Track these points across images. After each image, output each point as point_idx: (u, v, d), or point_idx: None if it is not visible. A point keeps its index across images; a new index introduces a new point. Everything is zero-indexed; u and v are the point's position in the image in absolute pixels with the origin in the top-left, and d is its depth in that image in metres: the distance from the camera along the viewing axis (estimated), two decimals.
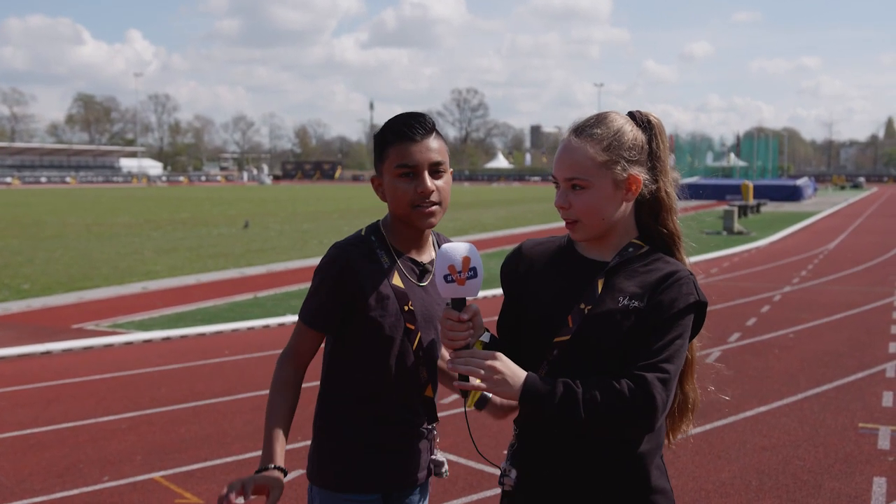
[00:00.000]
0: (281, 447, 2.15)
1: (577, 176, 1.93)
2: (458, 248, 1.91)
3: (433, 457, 2.32)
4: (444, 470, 2.33)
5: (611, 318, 1.91)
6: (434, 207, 2.15)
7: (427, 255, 2.28)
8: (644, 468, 1.95)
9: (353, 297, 2.15)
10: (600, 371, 1.88)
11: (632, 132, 1.97)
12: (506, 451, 2.10)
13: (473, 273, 1.89)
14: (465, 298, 1.91)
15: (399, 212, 2.18)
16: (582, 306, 1.94)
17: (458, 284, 1.89)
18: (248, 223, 27.10)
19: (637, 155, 1.97)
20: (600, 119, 1.98)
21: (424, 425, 2.28)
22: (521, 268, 2.09)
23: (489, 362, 1.83)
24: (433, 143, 2.15)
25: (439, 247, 2.30)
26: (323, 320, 2.19)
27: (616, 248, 2.00)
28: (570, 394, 1.82)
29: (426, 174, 2.13)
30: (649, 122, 2.02)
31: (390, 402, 2.21)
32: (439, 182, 2.16)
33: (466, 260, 1.89)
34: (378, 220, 2.28)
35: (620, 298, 1.92)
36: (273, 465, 2.10)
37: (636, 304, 1.91)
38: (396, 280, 2.18)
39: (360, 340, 2.19)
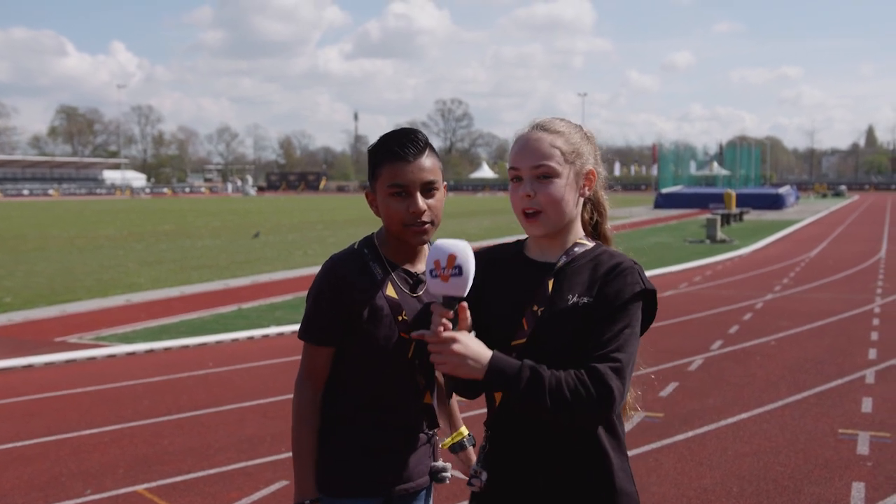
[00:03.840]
0: (313, 479, 2.22)
1: (545, 163, 2.00)
2: (447, 244, 1.92)
3: (434, 463, 2.35)
4: (445, 475, 2.36)
5: (563, 317, 1.97)
6: (426, 226, 2.20)
7: (421, 266, 2.31)
8: (610, 472, 1.99)
9: (349, 310, 2.19)
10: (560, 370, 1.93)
11: (583, 132, 2.10)
12: (476, 454, 2.14)
13: (458, 271, 1.89)
14: (455, 298, 1.91)
15: (392, 229, 2.22)
16: (535, 308, 1.99)
17: (442, 280, 1.89)
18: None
19: (592, 152, 2.10)
20: (556, 119, 2.10)
21: (424, 430, 2.31)
22: (476, 276, 2.13)
23: (450, 346, 1.87)
24: (426, 161, 2.18)
25: None
26: (329, 335, 2.23)
27: (563, 248, 2.08)
28: (536, 378, 1.86)
29: (418, 194, 2.17)
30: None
31: (388, 409, 2.24)
32: (431, 201, 2.20)
33: (452, 257, 1.89)
34: (372, 233, 2.32)
35: (570, 296, 1.99)
36: (309, 501, 2.20)
37: (585, 299, 1.97)
38: (390, 291, 2.22)
39: (355, 350, 2.23)
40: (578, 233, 2.10)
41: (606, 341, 1.92)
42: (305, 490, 2.20)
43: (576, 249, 2.07)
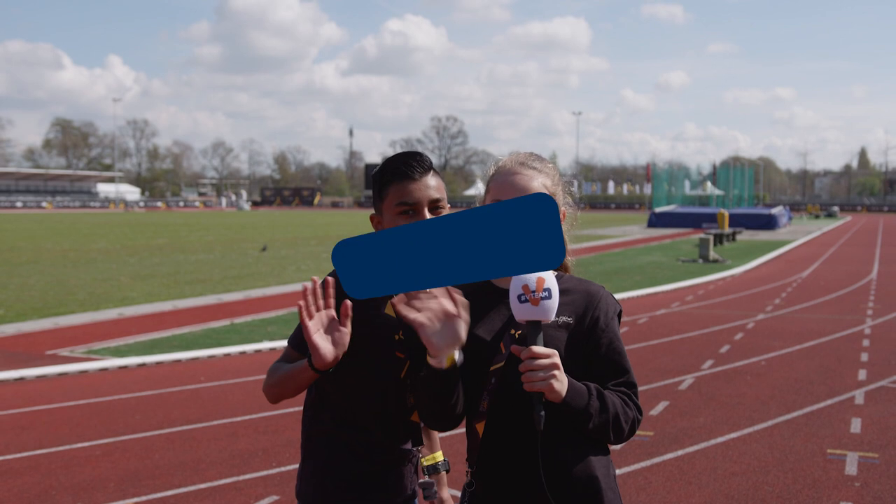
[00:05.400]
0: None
1: None
2: None
3: (420, 480, 2.38)
4: (433, 491, 2.40)
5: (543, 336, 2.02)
6: None
7: None
8: (599, 494, 2.04)
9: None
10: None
11: (559, 174, 2.23)
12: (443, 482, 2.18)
13: (548, 294, 1.90)
14: (539, 322, 1.92)
15: None
16: (512, 331, 2.05)
17: (532, 304, 1.90)
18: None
19: (566, 192, 2.25)
20: (538, 157, 2.21)
21: (409, 449, 2.33)
22: None
23: (553, 360, 1.91)
24: (431, 180, 2.22)
25: None
26: (303, 345, 2.24)
27: None
28: (602, 400, 1.99)
29: (426, 211, 2.20)
30: None
31: (375, 426, 2.26)
32: None
33: (541, 280, 1.90)
34: None
35: None
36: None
37: (564, 318, 2.06)
38: (388, 310, 2.24)
39: (349, 368, 2.24)
40: None
41: (621, 369, 2.08)
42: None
43: None
